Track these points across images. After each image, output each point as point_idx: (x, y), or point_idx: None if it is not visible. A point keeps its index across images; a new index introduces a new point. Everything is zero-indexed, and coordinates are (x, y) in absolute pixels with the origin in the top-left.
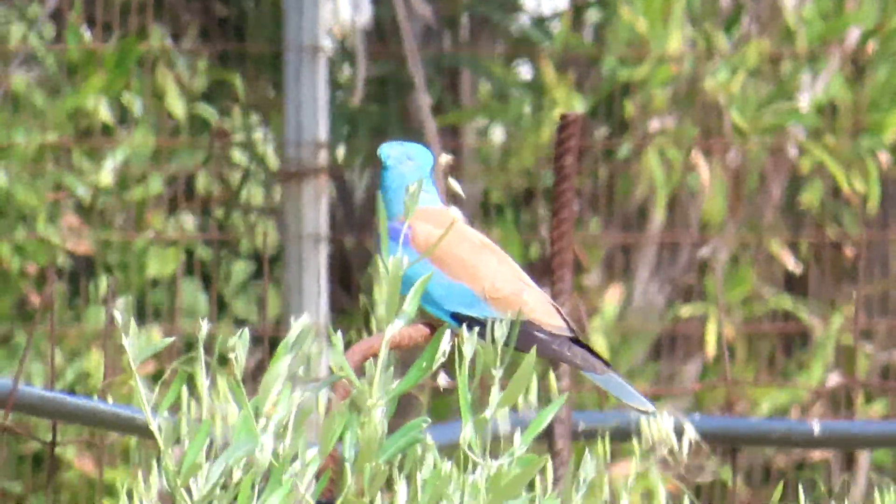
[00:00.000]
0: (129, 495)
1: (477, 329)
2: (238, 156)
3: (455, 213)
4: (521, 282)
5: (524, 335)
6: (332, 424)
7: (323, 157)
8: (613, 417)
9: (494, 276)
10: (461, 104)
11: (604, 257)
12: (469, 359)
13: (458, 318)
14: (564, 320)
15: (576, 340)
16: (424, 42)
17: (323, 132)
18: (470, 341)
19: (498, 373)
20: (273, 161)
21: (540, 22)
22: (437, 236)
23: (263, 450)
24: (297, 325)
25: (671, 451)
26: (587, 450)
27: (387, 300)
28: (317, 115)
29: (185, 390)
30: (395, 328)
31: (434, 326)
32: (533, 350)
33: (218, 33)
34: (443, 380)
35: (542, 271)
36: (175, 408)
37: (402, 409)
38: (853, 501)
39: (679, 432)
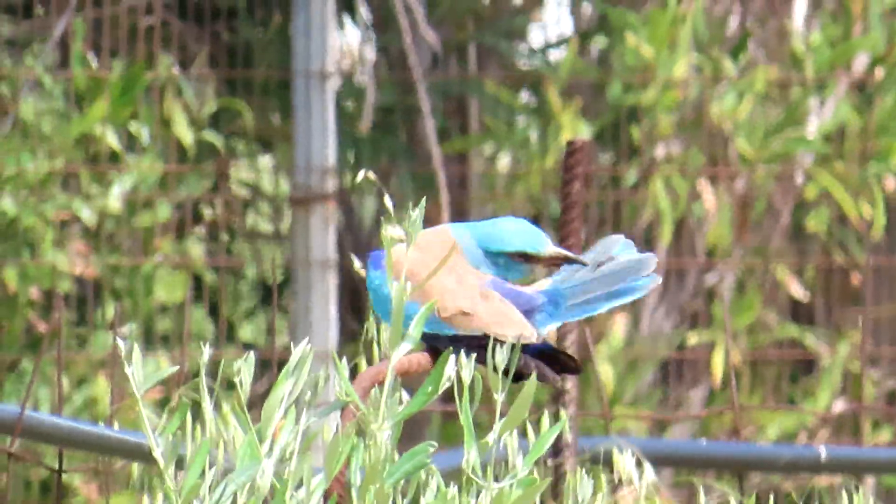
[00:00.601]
0: None
1: (455, 347)
2: (245, 182)
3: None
4: (479, 297)
5: (479, 350)
6: (337, 448)
7: (332, 184)
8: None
9: (446, 295)
10: (468, 131)
11: None
12: (469, 384)
13: (425, 337)
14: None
15: (550, 349)
16: (431, 69)
17: (331, 158)
18: (468, 367)
19: (500, 398)
20: (280, 187)
21: (544, 51)
22: (409, 258)
23: (264, 475)
24: (297, 350)
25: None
26: (585, 473)
27: (392, 326)
28: (325, 141)
29: (190, 417)
30: (400, 353)
31: (439, 352)
32: (533, 376)
33: (225, 60)
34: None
35: None
36: (181, 434)
37: (413, 434)
38: None
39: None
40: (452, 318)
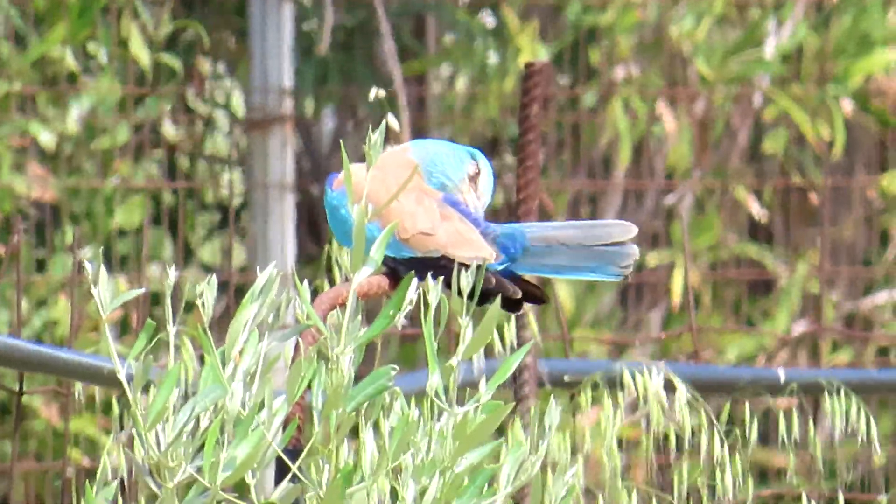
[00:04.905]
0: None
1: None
2: (203, 103)
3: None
4: (440, 219)
5: (439, 269)
6: (299, 373)
7: (288, 105)
8: (581, 366)
9: (405, 216)
10: (426, 52)
11: (569, 205)
12: (434, 307)
13: (384, 260)
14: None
15: (513, 274)
16: None
17: (288, 79)
18: (434, 290)
19: (465, 322)
20: (239, 109)
21: None
22: (358, 177)
23: (233, 398)
24: (263, 274)
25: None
26: (552, 397)
27: (354, 249)
28: (282, 62)
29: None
30: (362, 276)
31: (399, 275)
32: (498, 299)
33: None
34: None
35: (507, 219)
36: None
37: (370, 358)
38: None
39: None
40: (411, 239)
